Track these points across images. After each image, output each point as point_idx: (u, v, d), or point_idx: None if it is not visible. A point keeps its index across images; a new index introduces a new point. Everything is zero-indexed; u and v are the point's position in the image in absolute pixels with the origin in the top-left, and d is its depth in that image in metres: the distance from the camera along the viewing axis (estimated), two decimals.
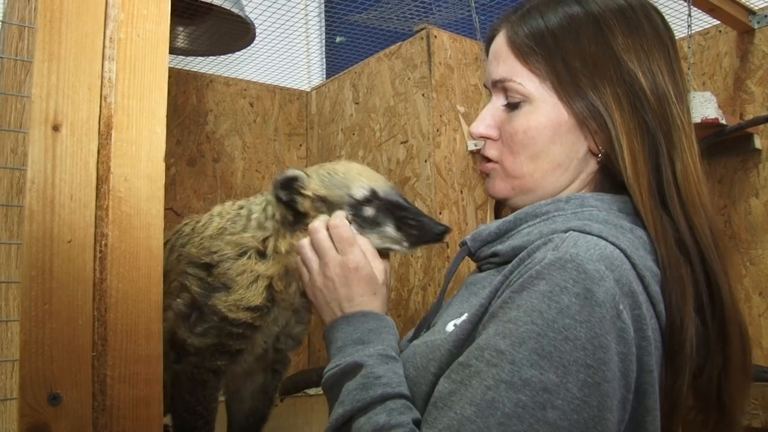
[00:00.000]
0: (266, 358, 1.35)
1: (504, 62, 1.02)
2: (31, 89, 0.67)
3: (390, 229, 1.15)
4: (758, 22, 2.39)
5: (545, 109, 0.99)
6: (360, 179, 1.19)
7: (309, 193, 1.18)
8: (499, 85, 1.03)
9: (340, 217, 1.12)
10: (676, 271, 0.89)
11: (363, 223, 1.15)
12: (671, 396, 0.87)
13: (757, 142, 2.35)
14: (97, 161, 0.69)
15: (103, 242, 0.70)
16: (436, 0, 2.81)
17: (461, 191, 2.54)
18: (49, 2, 0.68)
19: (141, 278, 0.72)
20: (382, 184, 1.19)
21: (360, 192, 1.16)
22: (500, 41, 1.04)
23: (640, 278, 0.86)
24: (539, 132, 0.99)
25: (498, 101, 1.05)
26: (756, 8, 2.39)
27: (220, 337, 1.21)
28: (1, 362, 0.89)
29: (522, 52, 1.00)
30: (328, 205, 1.17)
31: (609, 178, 1.02)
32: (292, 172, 1.19)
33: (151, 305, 0.72)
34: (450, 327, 0.95)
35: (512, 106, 1.01)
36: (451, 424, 0.78)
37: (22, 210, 0.97)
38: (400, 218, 1.16)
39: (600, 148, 0.98)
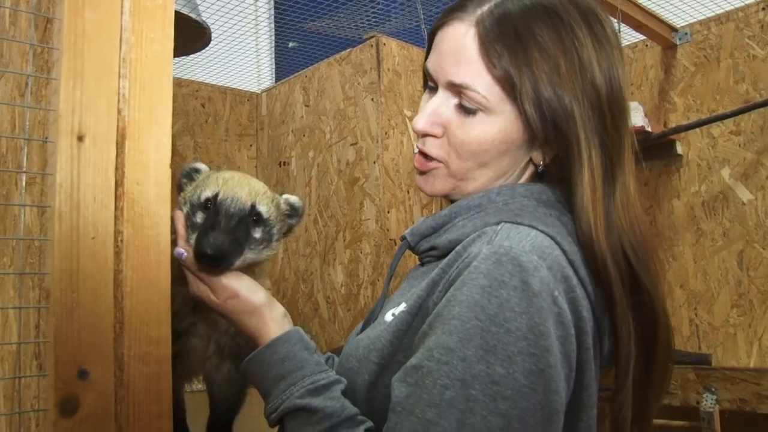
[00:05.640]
0: (217, 356, 1.27)
1: (467, 65, 0.95)
2: (58, 104, 0.77)
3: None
4: (680, 39, 2.61)
5: (503, 123, 0.96)
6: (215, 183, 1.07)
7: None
8: (456, 89, 0.97)
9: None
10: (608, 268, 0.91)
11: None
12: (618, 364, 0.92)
13: (679, 148, 2.58)
14: (115, 167, 0.80)
15: (120, 238, 0.80)
16: (387, 10, 2.93)
17: (408, 191, 2.67)
18: (72, 27, 0.77)
19: (151, 270, 0.82)
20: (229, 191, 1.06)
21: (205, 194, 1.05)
22: (466, 39, 0.95)
23: (570, 263, 0.89)
24: (494, 145, 0.97)
25: (449, 99, 0.99)
26: (678, 26, 2.61)
27: None
28: (3, 344, 0.97)
29: (491, 58, 0.93)
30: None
31: (540, 174, 1.03)
32: (197, 164, 1.13)
33: (160, 294, 0.82)
34: (389, 317, 0.99)
35: (467, 111, 0.97)
36: (416, 429, 0.79)
37: (11, 212, 1.05)
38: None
39: (543, 160, 1.00)
